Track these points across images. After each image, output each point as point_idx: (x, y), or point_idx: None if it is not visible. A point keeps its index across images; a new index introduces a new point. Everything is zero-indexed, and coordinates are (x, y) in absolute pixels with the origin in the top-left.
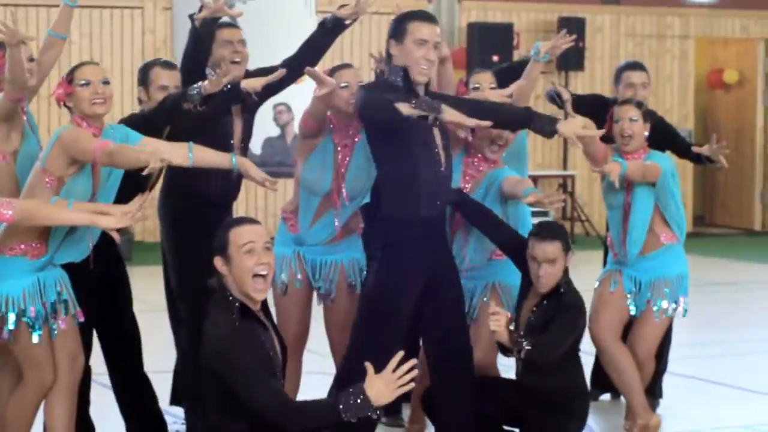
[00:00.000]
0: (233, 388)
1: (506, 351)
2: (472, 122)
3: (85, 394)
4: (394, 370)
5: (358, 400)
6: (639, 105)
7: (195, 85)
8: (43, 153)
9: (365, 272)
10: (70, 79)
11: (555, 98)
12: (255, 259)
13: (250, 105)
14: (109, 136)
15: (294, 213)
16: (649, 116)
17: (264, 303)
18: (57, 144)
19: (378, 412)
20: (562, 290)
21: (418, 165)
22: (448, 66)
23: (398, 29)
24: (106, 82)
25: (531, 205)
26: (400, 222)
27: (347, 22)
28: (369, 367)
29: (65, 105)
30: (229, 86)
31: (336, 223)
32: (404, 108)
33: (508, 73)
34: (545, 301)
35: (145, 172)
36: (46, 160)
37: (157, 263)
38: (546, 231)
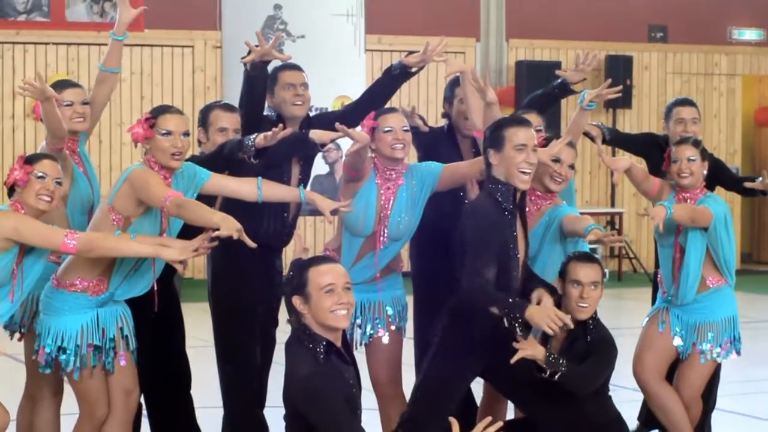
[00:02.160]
0: (317, 427)
1: (541, 370)
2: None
3: (136, 430)
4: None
5: None
6: (696, 144)
7: (251, 136)
8: (112, 191)
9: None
10: (152, 123)
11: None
12: (335, 299)
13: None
14: (178, 175)
15: (337, 251)
16: (707, 155)
17: (344, 338)
18: (126, 183)
19: None
20: (591, 326)
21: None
22: (495, 109)
23: (495, 138)
24: (187, 134)
25: (591, 243)
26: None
27: (413, 69)
28: (454, 423)
29: (141, 144)
30: (299, 136)
31: (377, 266)
32: (494, 307)
33: (544, 100)
34: (575, 337)
35: (214, 234)
36: (114, 198)
37: (206, 299)
38: (586, 255)
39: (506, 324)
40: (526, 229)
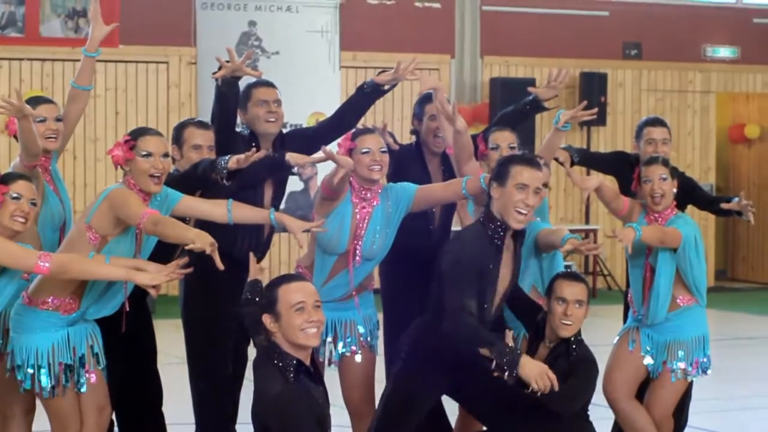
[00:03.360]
0: None
1: (525, 386)
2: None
3: None
4: None
5: None
6: (665, 163)
7: (224, 158)
8: (90, 209)
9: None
10: (132, 145)
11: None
12: (305, 317)
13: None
14: (153, 197)
15: (309, 268)
16: (676, 174)
17: (312, 356)
18: (105, 202)
19: None
20: (574, 345)
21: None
22: (465, 137)
23: (501, 172)
24: (166, 155)
25: (568, 252)
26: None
27: (386, 87)
28: None
29: (120, 167)
30: (275, 159)
31: (350, 284)
32: (487, 345)
33: (516, 117)
34: (557, 355)
35: (188, 248)
36: (92, 217)
37: (179, 316)
38: (572, 274)
39: (493, 369)
40: (517, 264)
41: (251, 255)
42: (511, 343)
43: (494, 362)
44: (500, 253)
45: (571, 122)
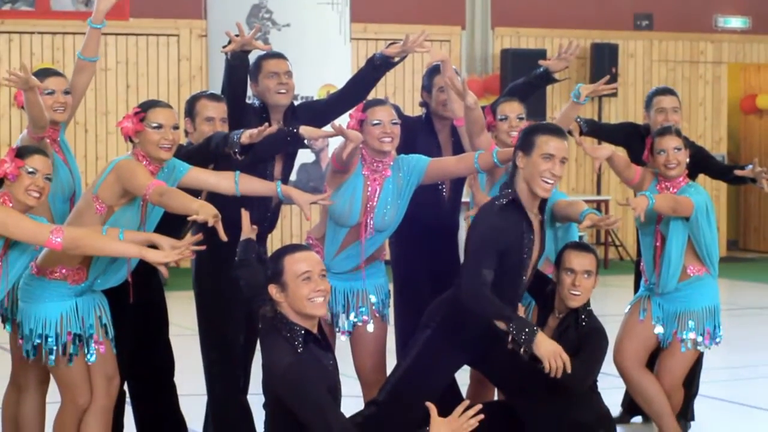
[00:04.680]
0: (303, 418)
1: (538, 360)
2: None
3: (119, 418)
4: (460, 415)
5: None
6: (678, 133)
7: (236, 132)
8: (97, 180)
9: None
10: (141, 117)
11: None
12: (312, 286)
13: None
14: (161, 169)
15: (320, 240)
16: (689, 144)
17: (319, 325)
18: (112, 173)
19: None
20: (583, 316)
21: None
22: (477, 111)
23: (526, 141)
24: (176, 127)
25: (587, 228)
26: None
27: (395, 59)
28: (432, 409)
29: (130, 139)
30: (289, 133)
31: (363, 256)
32: (500, 322)
33: (526, 88)
34: (566, 326)
35: (190, 218)
36: (99, 188)
37: (191, 288)
38: (581, 245)
39: (509, 344)
40: (543, 234)
41: (243, 212)
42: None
43: (510, 336)
44: (531, 223)
45: (591, 96)
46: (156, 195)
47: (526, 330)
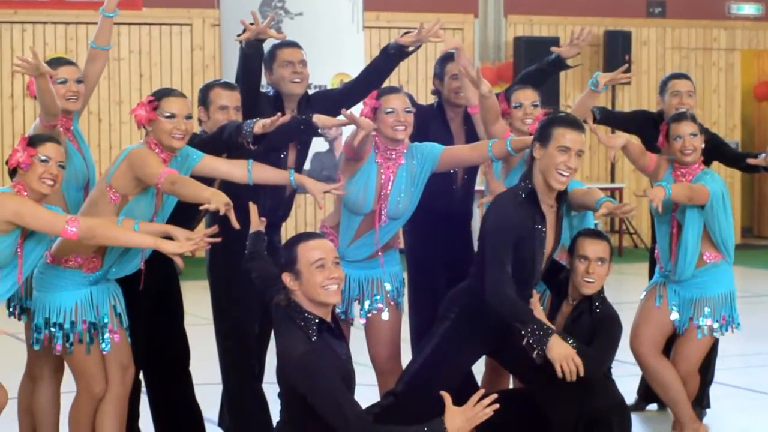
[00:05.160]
0: (317, 406)
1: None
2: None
3: (134, 406)
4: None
5: None
6: (694, 119)
7: (250, 122)
8: (110, 169)
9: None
10: (155, 106)
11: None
12: (326, 274)
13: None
14: (173, 158)
15: (335, 228)
16: (704, 130)
17: (334, 315)
18: (125, 162)
19: None
20: (597, 303)
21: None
22: (491, 99)
23: (543, 133)
24: (189, 117)
25: (603, 216)
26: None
27: (410, 49)
28: (447, 398)
29: (143, 126)
30: (302, 122)
31: (376, 244)
32: (520, 323)
33: (538, 75)
34: (580, 313)
35: (202, 207)
36: (112, 177)
37: (206, 278)
38: (595, 232)
39: (523, 344)
40: (559, 226)
41: (251, 205)
42: (538, 305)
43: (525, 339)
44: (544, 214)
45: (609, 84)
46: (168, 183)
47: (541, 333)
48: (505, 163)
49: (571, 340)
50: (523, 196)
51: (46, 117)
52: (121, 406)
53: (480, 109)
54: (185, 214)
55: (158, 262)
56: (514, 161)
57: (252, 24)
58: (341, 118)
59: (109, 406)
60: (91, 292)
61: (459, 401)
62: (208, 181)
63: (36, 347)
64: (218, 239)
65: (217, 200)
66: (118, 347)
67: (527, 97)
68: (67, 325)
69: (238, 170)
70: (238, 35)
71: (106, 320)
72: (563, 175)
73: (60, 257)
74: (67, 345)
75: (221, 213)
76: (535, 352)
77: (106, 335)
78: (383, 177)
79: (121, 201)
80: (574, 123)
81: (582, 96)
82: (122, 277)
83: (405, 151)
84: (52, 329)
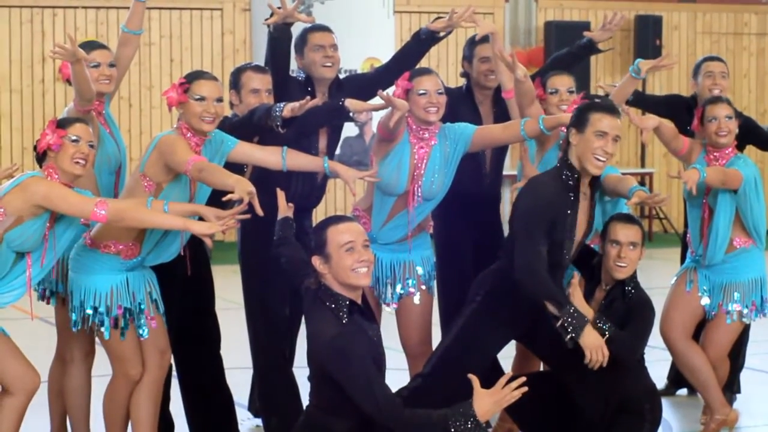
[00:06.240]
0: (348, 388)
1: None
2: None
3: (165, 390)
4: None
5: (469, 423)
6: (729, 102)
7: (279, 105)
8: (143, 158)
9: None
10: (186, 88)
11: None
12: (355, 257)
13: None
14: (206, 142)
15: (367, 211)
16: (738, 114)
17: (364, 297)
18: (155, 150)
19: (489, 429)
20: (629, 287)
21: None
22: (527, 83)
23: (580, 118)
24: (220, 100)
25: (636, 205)
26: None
27: (441, 34)
28: (475, 381)
29: (175, 108)
30: (335, 106)
31: (411, 225)
32: (552, 305)
33: (569, 59)
34: (613, 298)
35: (225, 198)
36: (144, 165)
37: (236, 262)
38: (627, 216)
39: (557, 325)
40: (592, 213)
41: (279, 192)
42: (578, 288)
43: (559, 321)
44: (578, 200)
45: (651, 71)
46: (195, 171)
47: (577, 319)
48: (540, 147)
49: (608, 324)
50: (563, 178)
51: (81, 102)
52: (157, 390)
53: (515, 93)
54: (220, 202)
55: (191, 246)
56: (549, 144)
57: (279, 8)
58: (373, 102)
59: (146, 389)
60: (127, 278)
61: (484, 385)
62: (240, 167)
63: (74, 329)
64: (248, 216)
65: (240, 188)
66: (156, 333)
67: (563, 83)
68: (102, 309)
69: (272, 157)
70: (266, 19)
71: (143, 306)
72: (600, 160)
73: (99, 242)
74: (103, 330)
75: (245, 201)
76: (569, 336)
77: (143, 321)
78: (417, 157)
79: (155, 189)
80: (611, 108)
81: (623, 81)
82: (157, 265)
83: (437, 131)
84: (88, 311)
